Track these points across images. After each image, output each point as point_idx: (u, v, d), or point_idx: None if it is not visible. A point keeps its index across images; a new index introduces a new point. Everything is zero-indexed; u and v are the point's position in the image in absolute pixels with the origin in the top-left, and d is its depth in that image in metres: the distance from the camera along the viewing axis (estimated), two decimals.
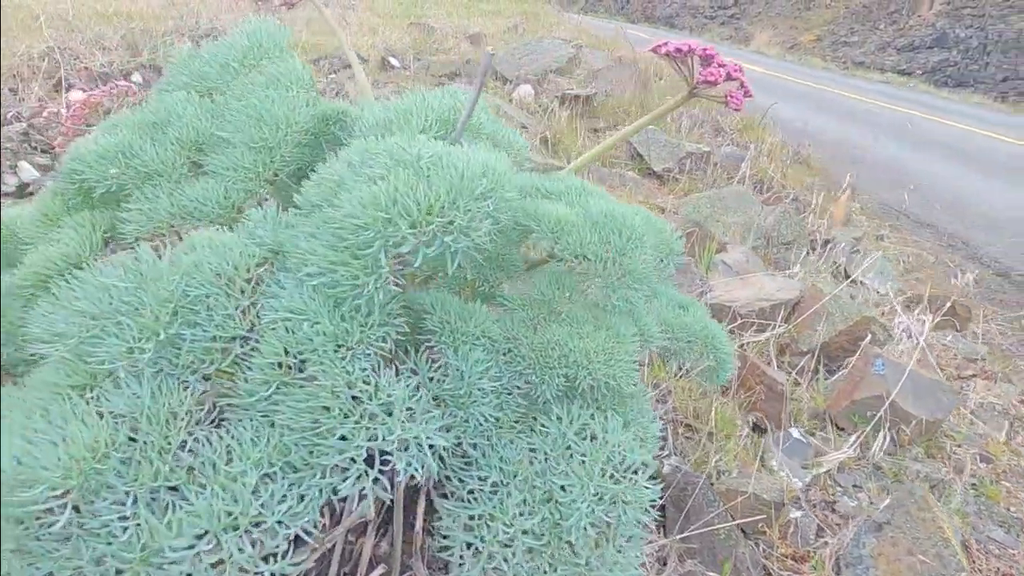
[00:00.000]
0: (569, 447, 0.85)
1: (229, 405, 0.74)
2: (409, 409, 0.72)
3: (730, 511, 1.39)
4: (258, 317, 0.78)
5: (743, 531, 1.42)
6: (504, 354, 0.88)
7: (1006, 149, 8.85)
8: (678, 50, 1.02)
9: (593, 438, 0.85)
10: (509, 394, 0.88)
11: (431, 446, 0.72)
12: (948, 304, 2.41)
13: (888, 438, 1.64)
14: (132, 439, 0.68)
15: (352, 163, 0.88)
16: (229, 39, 1.17)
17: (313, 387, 0.72)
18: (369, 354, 0.75)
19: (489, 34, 7.70)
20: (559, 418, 0.87)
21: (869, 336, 1.98)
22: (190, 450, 0.70)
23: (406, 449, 0.70)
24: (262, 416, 0.73)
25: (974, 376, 2.22)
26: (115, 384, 0.72)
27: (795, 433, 1.66)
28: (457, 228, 0.75)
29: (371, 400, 0.71)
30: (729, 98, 1.02)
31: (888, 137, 8.12)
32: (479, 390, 0.83)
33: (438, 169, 0.80)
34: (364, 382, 0.73)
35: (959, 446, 1.82)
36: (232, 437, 0.71)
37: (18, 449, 0.66)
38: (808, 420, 1.78)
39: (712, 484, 1.39)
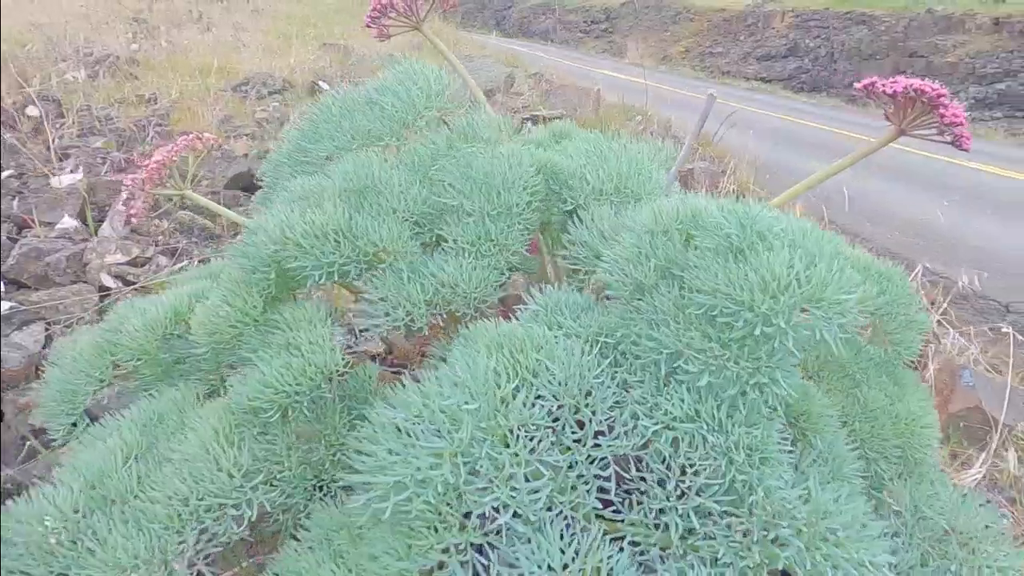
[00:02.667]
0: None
1: (632, 542, 0.61)
2: (863, 526, 0.62)
3: None
4: (635, 430, 0.65)
5: None
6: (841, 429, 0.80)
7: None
8: (907, 90, 0.97)
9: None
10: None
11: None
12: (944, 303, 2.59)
13: (1016, 453, 1.70)
14: None
15: (658, 232, 0.76)
16: (391, 86, 1.01)
17: (761, 511, 0.60)
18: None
19: (399, 52, 7.50)
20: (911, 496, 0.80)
21: (932, 346, 2.08)
22: None
23: None
24: (693, 551, 0.61)
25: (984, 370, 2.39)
26: (519, 538, 0.57)
27: None
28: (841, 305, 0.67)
29: (827, 519, 0.61)
30: (962, 139, 0.99)
31: (776, 142, 8.63)
32: (846, 481, 0.74)
33: (797, 236, 0.71)
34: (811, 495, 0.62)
35: None
36: None
37: None
38: None
39: None
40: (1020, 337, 1.94)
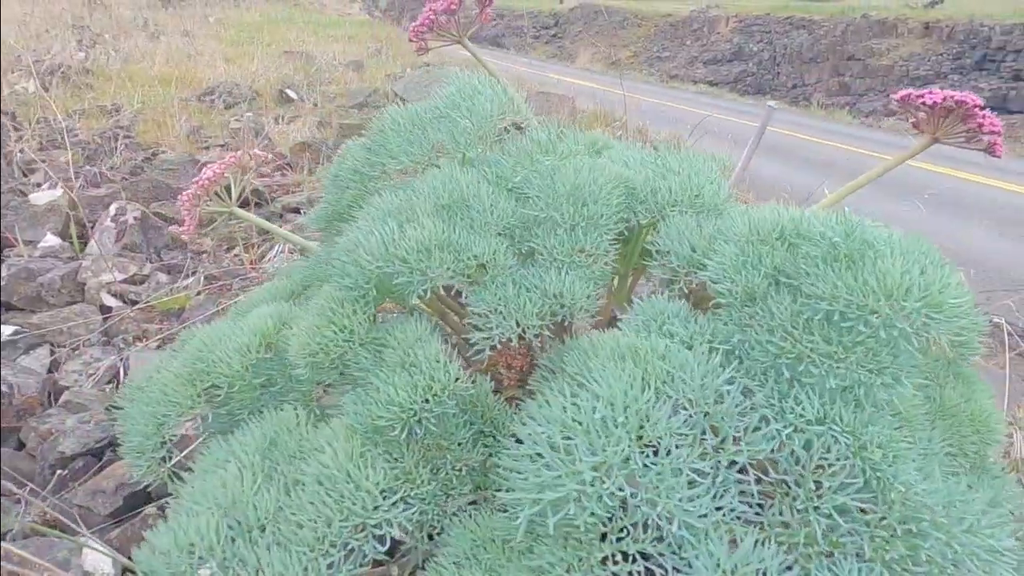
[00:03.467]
0: None
1: (777, 542, 0.64)
2: (986, 514, 0.66)
3: None
4: (767, 433, 0.68)
5: None
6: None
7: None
8: (947, 101, 1.03)
9: None
10: None
11: None
12: None
13: (1021, 436, 1.82)
14: None
15: (757, 241, 0.79)
16: (458, 99, 1.01)
17: (900, 506, 0.63)
18: None
19: (362, 60, 7.43)
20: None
21: None
22: None
23: None
24: (838, 548, 0.63)
25: None
26: (686, 545, 0.59)
27: None
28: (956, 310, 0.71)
29: (958, 509, 0.64)
30: (995, 147, 1.05)
31: (733, 145, 8.88)
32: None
33: (900, 244, 0.75)
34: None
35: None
36: None
37: None
38: None
39: None
40: (1008, 327, 2.06)
